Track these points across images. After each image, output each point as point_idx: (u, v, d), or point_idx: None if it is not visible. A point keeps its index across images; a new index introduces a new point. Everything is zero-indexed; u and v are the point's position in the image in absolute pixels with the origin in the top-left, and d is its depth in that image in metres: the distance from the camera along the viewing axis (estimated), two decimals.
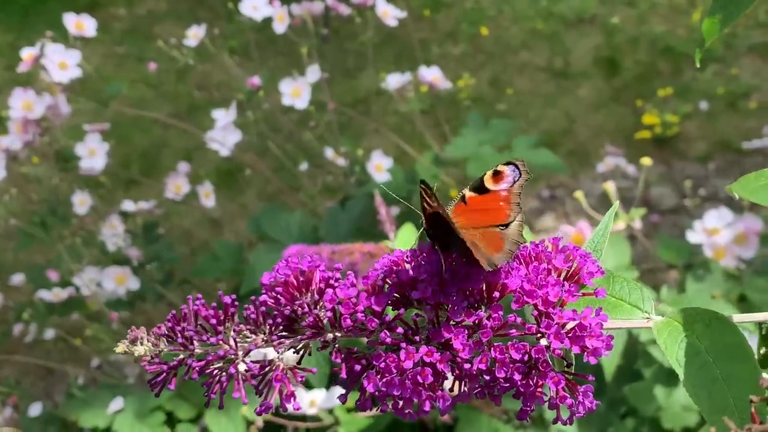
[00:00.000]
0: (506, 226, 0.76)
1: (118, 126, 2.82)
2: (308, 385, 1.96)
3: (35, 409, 2.69)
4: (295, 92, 2.61)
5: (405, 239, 1.56)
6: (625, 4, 5.69)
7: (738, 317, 0.74)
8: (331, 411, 2.09)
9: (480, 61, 5.47)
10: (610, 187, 2.18)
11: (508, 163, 0.78)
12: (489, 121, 2.95)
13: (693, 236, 2.29)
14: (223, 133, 2.66)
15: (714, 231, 2.26)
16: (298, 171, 3.08)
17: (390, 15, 2.80)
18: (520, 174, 0.77)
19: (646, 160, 2.50)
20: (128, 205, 2.90)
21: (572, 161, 4.57)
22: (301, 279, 0.72)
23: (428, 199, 0.71)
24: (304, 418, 2.10)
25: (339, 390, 1.73)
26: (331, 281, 0.72)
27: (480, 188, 0.79)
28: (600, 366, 2.08)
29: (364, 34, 2.96)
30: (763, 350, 0.80)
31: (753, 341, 0.80)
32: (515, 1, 5.90)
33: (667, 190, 4.36)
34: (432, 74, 2.73)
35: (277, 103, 2.94)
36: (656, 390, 2.12)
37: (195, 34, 2.71)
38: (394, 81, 2.78)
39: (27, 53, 2.28)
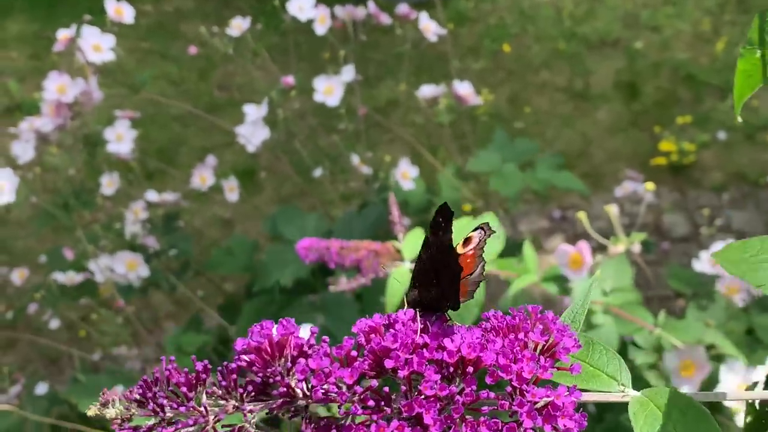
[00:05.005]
0: (471, 274, 0.82)
1: (136, 121, 2.85)
2: None
3: (41, 389, 2.71)
4: (328, 90, 2.62)
5: (413, 244, 1.62)
6: (649, 30, 5.71)
7: (733, 395, 0.76)
8: None
9: (500, 78, 5.50)
10: (612, 210, 2.17)
11: (476, 229, 0.83)
12: (514, 140, 2.99)
13: (699, 265, 2.29)
14: (252, 129, 2.67)
15: None
16: (318, 175, 3.09)
17: (431, 30, 2.82)
18: (486, 234, 0.83)
19: (650, 185, 2.51)
20: (152, 196, 2.93)
21: (586, 183, 4.57)
22: (275, 345, 0.73)
23: (443, 228, 0.75)
24: None
25: None
26: (305, 348, 0.73)
27: None
28: None
29: (392, 44, 2.98)
30: (748, 419, 0.80)
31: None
32: (539, 21, 5.94)
33: (680, 219, 4.37)
34: (464, 89, 2.76)
35: (302, 105, 2.95)
36: None
37: (238, 25, 2.72)
38: (427, 91, 2.80)
39: (63, 34, 2.32)
